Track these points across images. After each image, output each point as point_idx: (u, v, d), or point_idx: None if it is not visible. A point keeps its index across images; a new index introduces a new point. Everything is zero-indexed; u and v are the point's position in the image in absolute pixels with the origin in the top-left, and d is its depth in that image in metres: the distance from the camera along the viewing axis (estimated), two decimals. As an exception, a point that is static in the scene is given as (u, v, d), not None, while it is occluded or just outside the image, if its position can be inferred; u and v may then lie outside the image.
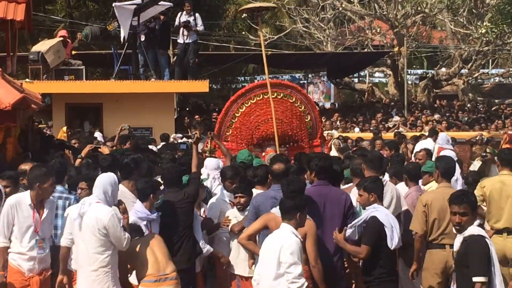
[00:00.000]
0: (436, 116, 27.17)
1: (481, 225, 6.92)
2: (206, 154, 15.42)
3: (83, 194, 8.32)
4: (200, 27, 20.54)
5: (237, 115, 13.16)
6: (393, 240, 7.69)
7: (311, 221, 7.72)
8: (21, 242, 7.95)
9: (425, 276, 8.65)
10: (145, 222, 8.27)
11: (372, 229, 7.75)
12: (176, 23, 20.51)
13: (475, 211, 6.88)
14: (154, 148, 14.97)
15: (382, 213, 7.85)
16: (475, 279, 6.58)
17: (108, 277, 7.54)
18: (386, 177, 10.18)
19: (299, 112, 13.50)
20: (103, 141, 15.91)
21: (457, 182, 10.26)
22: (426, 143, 17.65)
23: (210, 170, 10.35)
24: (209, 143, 11.93)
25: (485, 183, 9.39)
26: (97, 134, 18.26)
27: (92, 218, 7.50)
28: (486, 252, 6.63)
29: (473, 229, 6.76)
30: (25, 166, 9.54)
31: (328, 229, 8.01)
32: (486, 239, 6.68)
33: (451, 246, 7.99)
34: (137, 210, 8.32)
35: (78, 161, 11.18)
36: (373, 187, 8.02)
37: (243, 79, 43.39)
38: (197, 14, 20.52)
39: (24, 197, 8.02)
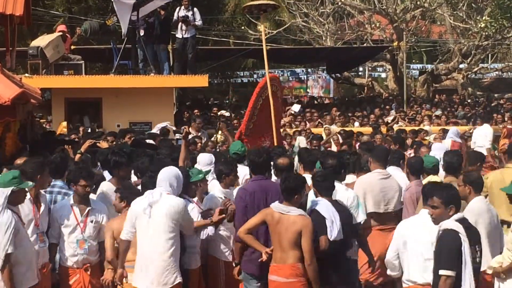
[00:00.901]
0: (439, 112, 27.12)
1: (462, 220, 6.82)
2: (219, 144, 15.46)
3: (81, 191, 8.28)
4: (198, 22, 20.52)
5: (257, 108, 13.23)
6: (333, 231, 7.81)
7: (308, 219, 7.72)
8: None
9: None
10: None
11: (319, 221, 7.85)
12: (175, 17, 20.49)
13: (449, 205, 6.77)
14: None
15: (322, 205, 7.98)
16: (441, 272, 6.64)
17: (177, 266, 7.75)
18: (390, 170, 10.20)
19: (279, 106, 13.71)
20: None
21: None
22: (483, 129, 18.04)
23: (203, 165, 10.31)
24: (219, 134, 11.96)
25: (489, 174, 9.48)
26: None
27: (167, 207, 7.68)
28: (456, 246, 6.63)
29: (448, 223, 6.75)
30: (21, 161, 9.52)
31: None
32: (460, 234, 6.64)
33: None
34: None
35: (77, 156, 11.19)
36: (316, 182, 8.19)
37: (242, 74, 43.42)
38: (195, 9, 20.50)
39: None
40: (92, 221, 8.25)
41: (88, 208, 8.26)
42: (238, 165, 10.03)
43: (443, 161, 9.42)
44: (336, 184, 8.47)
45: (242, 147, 11.01)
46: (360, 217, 8.46)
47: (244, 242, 8.05)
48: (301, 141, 18.30)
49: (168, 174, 7.94)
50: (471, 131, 21.20)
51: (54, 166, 8.99)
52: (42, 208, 8.10)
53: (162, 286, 7.67)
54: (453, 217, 6.78)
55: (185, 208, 7.82)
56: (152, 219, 7.69)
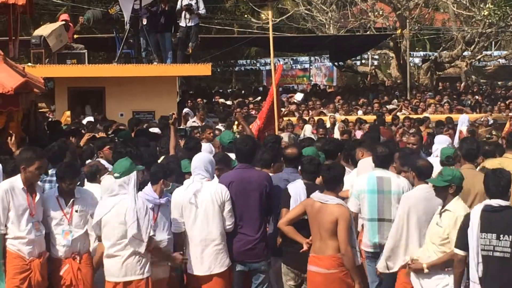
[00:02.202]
0: (445, 101, 27.02)
1: (489, 205, 6.94)
2: (237, 134, 15.46)
3: (66, 188, 8.13)
4: (202, 10, 20.42)
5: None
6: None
7: (345, 208, 7.78)
8: (18, 227, 7.92)
9: None
10: (151, 205, 8.26)
11: (285, 198, 8.26)
12: (178, 6, 20.41)
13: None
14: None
15: (294, 186, 8.32)
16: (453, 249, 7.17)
17: (226, 251, 8.09)
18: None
19: None
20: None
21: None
22: None
23: None
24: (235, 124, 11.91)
25: (487, 163, 9.24)
26: (89, 118, 18.21)
27: (212, 194, 7.99)
28: (464, 228, 7.03)
29: (474, 208, 7.14)
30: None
31: (252, 207, 8.21)
32: (470, 218, 6.99)
33: None
34: (146, 193, 8.30)
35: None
36: (302, 164, 8.54)
37: (245, 62, 43.42)
38: None
39: (16, 181, 7.98)
40: (77, 211, 8.12)
41: (72, 199, 8.15)
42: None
43: (462, 148, 9.28)
44: (387, 172, 8.57)
45: (235, 136, 10.93)
46: None
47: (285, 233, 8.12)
48: (307, 130, 18.26)
49: (202, 161, 8.15)
50: (482, 119, 21.15)
51: (52, 155, 8.97)
52: (37, 198, 8.05)
53: (219, 268, 7.98)
54: (484, 202, 7.04)
55: (227, 192, 8.03)
56: (199, 208, 7.93)
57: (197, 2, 20.20)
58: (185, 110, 20.74)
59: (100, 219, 7.67)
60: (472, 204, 8.39)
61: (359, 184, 8.55)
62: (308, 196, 8.07)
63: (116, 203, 7.56)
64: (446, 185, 7.44)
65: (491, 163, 9.19)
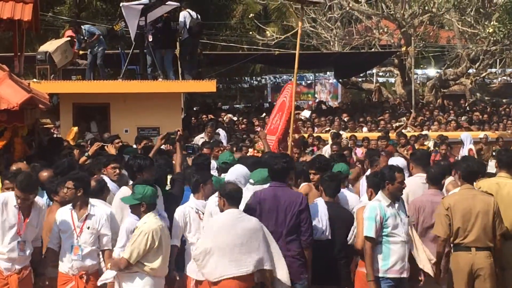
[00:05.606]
0: (451, 118, 26.96)
1: None
2: (259, 153, 15.49)
3: (69, 194, 8.10)
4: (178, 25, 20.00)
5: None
6: (316, 230, 8.29)
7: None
8: (2, 242, 7.84)
9: (450, 279, 8.54)
10: None
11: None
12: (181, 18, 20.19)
13: None
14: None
15: (316, 205, 8.53)
16: None
17: None
18: None
19: None
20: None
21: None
22: None
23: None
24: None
25: (482, 184, 9.02)
26: (90, 135, 18.15)
27: None
28: None
29: None
30: (16, 167, 9.43)
31: (282, 225, 8.09)
32: None
33: (477, 248, 8.30)
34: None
35: (83, 159, 11.12)
36: (324, 180, 8.77)
37: (250, 79, 43.47)
38: (181, 13, 20.19)
39: (11, 197, 7.88)
40: (88, 227, 8.02)
41: (86, 213, 8.06)
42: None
43: (459, 169, 9.09)
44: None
45: (230, 156, 10.71)
46: None
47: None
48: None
49: (235, 174, 8.69)
50: (481, 137, 21.11)
51: (60, 171, 8.93)
52: (30, 217, 7.93)
53: None
54: None
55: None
56: None
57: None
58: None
59: None
60: (475, 223, 8.37)
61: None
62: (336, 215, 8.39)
63: None
64: (137, 203, 7.70)
65: (486, 183, 9.02)
